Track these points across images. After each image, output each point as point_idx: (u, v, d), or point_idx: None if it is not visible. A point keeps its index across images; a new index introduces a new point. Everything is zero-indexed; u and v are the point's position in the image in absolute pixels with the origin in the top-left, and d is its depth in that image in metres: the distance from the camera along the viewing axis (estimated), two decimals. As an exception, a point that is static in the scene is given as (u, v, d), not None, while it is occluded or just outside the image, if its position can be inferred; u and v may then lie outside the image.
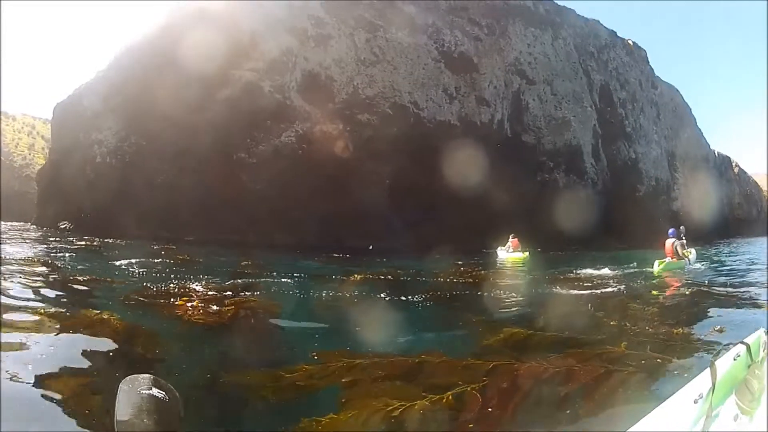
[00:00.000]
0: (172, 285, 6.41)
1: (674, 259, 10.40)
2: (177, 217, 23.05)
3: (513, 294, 6.91)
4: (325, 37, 25.56)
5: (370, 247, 20.78)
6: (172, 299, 5.31)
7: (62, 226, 32.09)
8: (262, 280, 7.83)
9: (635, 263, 13.67)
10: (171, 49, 25.38)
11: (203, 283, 6.73)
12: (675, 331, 4.19)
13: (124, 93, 27.67)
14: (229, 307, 4.95)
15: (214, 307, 4.97)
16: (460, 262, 13.43)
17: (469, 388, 2.72)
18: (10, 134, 65.12)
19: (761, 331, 1.68)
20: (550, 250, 19.91)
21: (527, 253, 15.68)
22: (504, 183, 23.38)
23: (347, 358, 3.20)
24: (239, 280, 7.43)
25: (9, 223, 34.25)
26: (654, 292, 7.37)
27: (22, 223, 35.21)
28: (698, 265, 11.73)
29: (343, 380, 2.86)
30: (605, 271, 10.95)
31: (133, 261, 10.02)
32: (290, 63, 25.10)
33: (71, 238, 20.02)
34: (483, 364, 3.20)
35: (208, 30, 25.38)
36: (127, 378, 0.86)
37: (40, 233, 24.43)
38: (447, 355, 3.36)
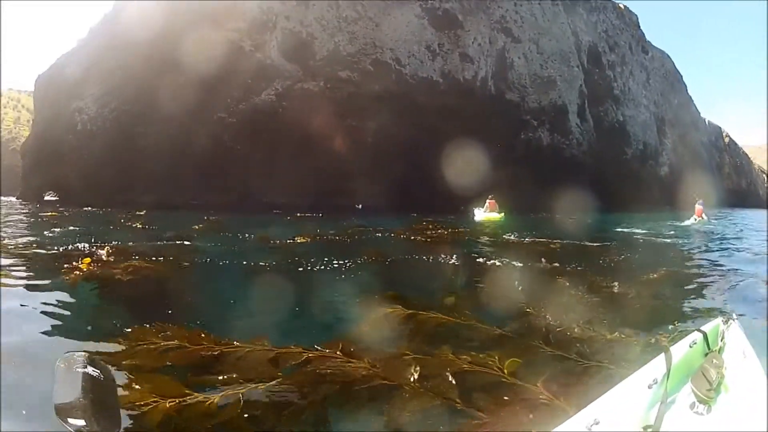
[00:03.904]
0: (89, 248, 6.22)
1: (700, 218, 15.00)
2: (160, 182, 22.87)
3: (452, 261, 6.15)
4: (306, -5, 24.95)
5: (359, 206, 20.69)
6: (74, 261, 5.01)
7: (46, 198, 31.84)
8: (200, 244, 7.39)
9: (618, 229, 13.18)
10: (150, 11, 24.76)
11: (127, 246, 6.51)
12: (609, 335, 2.93)
13: (105, 59, 27.10)
14: (121, 270, 4.63)
15: (113, 270, 4.66)
16: (428, 221, 13.07)
17: (244, 390, 2.09)
18: (-5, 110, 64.00)
19: (719, 320, 1.64)
20: (531, 212, 19.51)
21: (503, 214, 15.80)
22: (487, 141, 23.26)
23: (153, 339, 2.72)
24: (168, 242, 7.28)
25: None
26: (616, 273, 5.66)
27: (3, 198, 34.74)
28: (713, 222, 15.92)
29: (125, 362, 2.43)
30: (577, 240, 9.56)
31: (80, 228, 9.74)
32: (270, 22, 24.57)
33: (42, 211, 19.16)
34: (297, 354, 2.49)
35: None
36: (63, 356, 0.87)
37: (9, 205, 23.86)
38: (272, 342, 2.65)
